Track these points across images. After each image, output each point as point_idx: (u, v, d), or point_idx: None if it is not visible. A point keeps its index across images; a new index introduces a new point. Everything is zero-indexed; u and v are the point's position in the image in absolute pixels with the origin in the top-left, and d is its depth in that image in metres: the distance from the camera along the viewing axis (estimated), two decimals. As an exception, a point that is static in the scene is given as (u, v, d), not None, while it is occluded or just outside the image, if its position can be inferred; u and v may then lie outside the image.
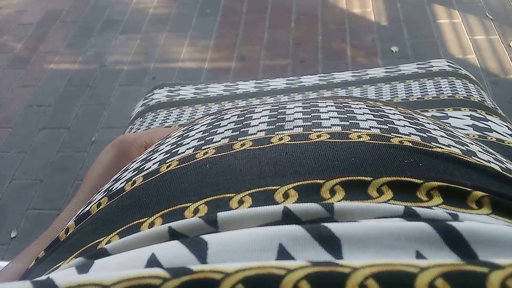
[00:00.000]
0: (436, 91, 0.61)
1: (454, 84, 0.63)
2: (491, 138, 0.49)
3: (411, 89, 0.63)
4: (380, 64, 1.64)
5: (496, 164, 0.26)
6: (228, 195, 0.22)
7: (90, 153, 1.51)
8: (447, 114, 0.55)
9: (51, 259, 0.27)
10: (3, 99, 1.76)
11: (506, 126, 0.53)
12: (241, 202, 0.21)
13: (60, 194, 1.40)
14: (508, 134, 0.51)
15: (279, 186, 0.22)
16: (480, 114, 0.55)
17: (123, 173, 0.32)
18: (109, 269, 0.18)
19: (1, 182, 1.46)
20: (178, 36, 1.91)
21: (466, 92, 0.60)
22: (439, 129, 0.30)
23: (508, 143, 0.48)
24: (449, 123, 0.52)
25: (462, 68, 0.71)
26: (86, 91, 1.74)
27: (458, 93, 0.60)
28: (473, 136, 0.49)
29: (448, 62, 0.71)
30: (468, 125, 0.51)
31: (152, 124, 0.67)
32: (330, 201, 0.20)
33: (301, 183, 0.22)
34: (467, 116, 0.54)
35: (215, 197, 0.22)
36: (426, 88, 0.63)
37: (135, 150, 0.44)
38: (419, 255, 0.16)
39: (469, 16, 1.79)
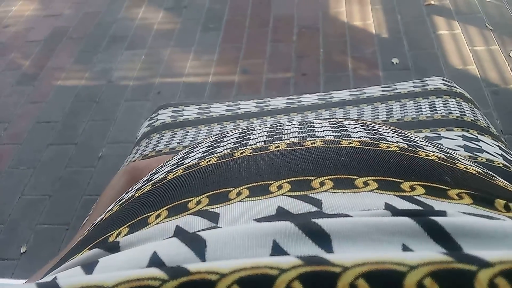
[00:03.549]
0: (430, 111, 0.63)
1: (448, 103, 0.65)
2: (482, 159, 0.51)
3: (406, 109, 0.66)
4: (381, 75, 1.66)
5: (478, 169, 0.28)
6: (227, 189, 0.24)
7: (97, 168, 1.54)
8: (440, 134, 0.57)
9: (67, 257, 0.28)
10: (12, 116, 1.80)
11: (497, 145, 0.55)
12: (239, 193, 0.23)
13: (69, 209, 1.42)
14: (498, 154, 0.53)
15: (274, 181, 0.24)
16: (472, 134, 0.57)
17: (133, 186, 0.34)
18: (113, 268, 0.18)
19: (11, 197, 1.49)
20: (183, 51, 1.95)
21: (459, 111, 0.62)
22: (430, 145, 0.32)
23: (498, 163, 0.50)
24: (442, 144, 0.54)
25: (457, 86, 0.73)
26: (93, 106, 1.77)
27: (451, 112, 0.62)
28: (464, 157, 0.51)
29: (443, 80, 0.73)
30: (459, 146, 0.53)
31: (157, 146, 0.69)
32: (320, 190, 0.22)
33: (294, 179, 0.23)
34: (459, 136, 0.56)
35: (216, 191, 0.24)
36: (421, 108, 0.65)
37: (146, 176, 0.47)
38: (405, 248, 0.17)
39: (468, 27, 1.81)
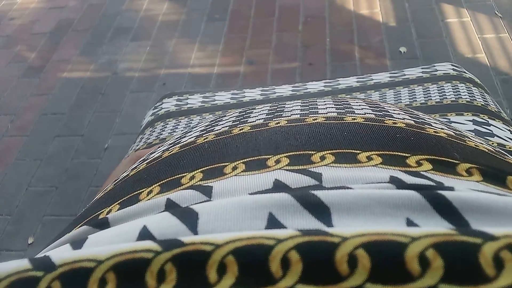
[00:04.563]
0: (439, 96, 0.62)
1: (458, 88, 0.63)
2: (493, 143, 0.49)
3: (415, 94, 0.64)
4: (389, 64, 1.64)
5: (488, 147, 0.27)
6: (223, 164, 0.23)
7: (103, 159, 1.54)
8: (449, 119, 0.56)
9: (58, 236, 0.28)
10: (18, 108, 1.80)
11: (509, 130, 0.54)
12: (234, 168, 0.22)
13: (75, 200, 1.43)
14: (509, 139, 0.51)
15: (272, 155, 0.22)
16: (482, 118, 0.55)
17: (130, 167, 0.34)
18: (102, 243, 0.18)
19: (18, 189, 1.50)
20: (188, 42, 1.94)
21: (469, 96, 0.61)
22: (439, 123, 0.30)
23: (510, 147, 0.49)
24: None
25: (467, 72, 0.71)
26: (98, 98, 1.77)
27: (461, 97, 0.61)
28: None
29: (452, 65, 0.71)
30: (470, 130, 0.52)
31: (161, 134, 0.69)
32: (320, 164, 0.21)
33: (293, 153, 0.22)
34: (470, 121, 0.54)
35: (210, 166, 0.23)
36: (430, 93, 0.63)
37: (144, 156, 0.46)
38: (410, 223, 0.16)
39: (477, 15, 1.77)
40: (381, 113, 0.28)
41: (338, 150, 0.22)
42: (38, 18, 2.29)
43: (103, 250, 0.15)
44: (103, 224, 0.21)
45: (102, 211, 0.24)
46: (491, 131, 0.52)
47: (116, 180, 0.30)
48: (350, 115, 0.27)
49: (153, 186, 0.23)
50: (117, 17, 2.17)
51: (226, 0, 2.11)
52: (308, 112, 0.29)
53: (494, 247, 0.13)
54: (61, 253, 0.16)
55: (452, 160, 0.21)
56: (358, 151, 0.22)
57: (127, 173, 0.30)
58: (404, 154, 0.22)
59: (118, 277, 0.14)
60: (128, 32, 2.07)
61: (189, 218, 0.18)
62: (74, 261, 0.15)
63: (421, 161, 0.21)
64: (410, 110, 0.33)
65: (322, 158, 0.21)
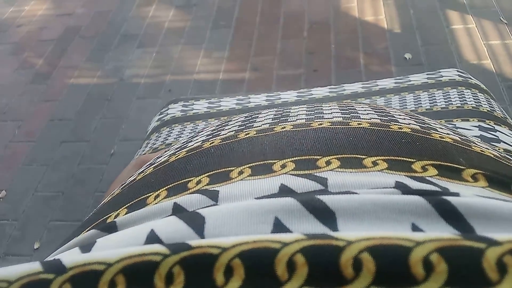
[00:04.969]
0: (445, 102, 0.62)
1: (464, 94, 0.63)
2: (499, 149, 0.49)
3: (420, 100, 0.64)
4: (394, 71, 1.64)
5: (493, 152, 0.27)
6: (229, 168, 0.23)
7: (109, 165, 1.54)
8: (455, 125, 0.55)
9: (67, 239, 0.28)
10: (26, 114, 1.82)
11: (515, 136, 0.54)
12: (240, 172, 0.22)
13: (81, 206, 1.43)
14: (516, 145, 0.51)
15: (278, 160, 0.23)
16: (488, 124, 0.55)
17: (137, 171, 0.34)
18: (110, 247, 0.18)
19: (24, 194, 1.51)
20: (193, 49, 1.95)
21: (475, 102, 0.61)
22: (445, 128, 0.31)
23: (516, 153, 0.49)
24: None
25: (472, 77, 0.71)
26: (104, 104, 1.78)
27: (467, 103, 0.61)
28: None
29: (458, 71, 0.71)
30: (475, 136, 0.52)
31: (167, 139, 0.69)
32: (325, 169, 0.21)
33: (299, 158, 0.22)
34: (475, 126, 0.54)
35: (217, 171, 0.23)
36: (435, 99, 0.63)
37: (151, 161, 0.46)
38: (415, 228, 0.16)
39: (483, 21, 1.77)
40: (387, 118, 0.28)
41: (343, 155, 0.22)
42: (45, 25, 2.31)
43: (112, 253, 0.15)
44: (111, 228, 0.22)
45: (110, 215, 0.25)
46: (497, 136, 0.52)
47: (123, 184, 0.31)
48: (356, 120, 0.27)
49: (160, 190, 0.24)
50: (123, 24, 2.19)
51: (231, 7, 2.13)
52: (313, 117, 0.29)
53: (497, 252, 0.13)
54: (71, 256, 0.16)
55: (458, 166, 0.22)
56: (363, 156, 0.22)
57: (134, 177, 0.30)
58: (409, 159, 0.22)
59: (127, 280, 0.14)
60: (134, 38, 2.08)
61: (196, 222, 0.18)
62: (84, 263, 0.15)
63: (426, 167, 0.21)
64: (416, 115, 0.33)
65: (328, 163, 0.22)
